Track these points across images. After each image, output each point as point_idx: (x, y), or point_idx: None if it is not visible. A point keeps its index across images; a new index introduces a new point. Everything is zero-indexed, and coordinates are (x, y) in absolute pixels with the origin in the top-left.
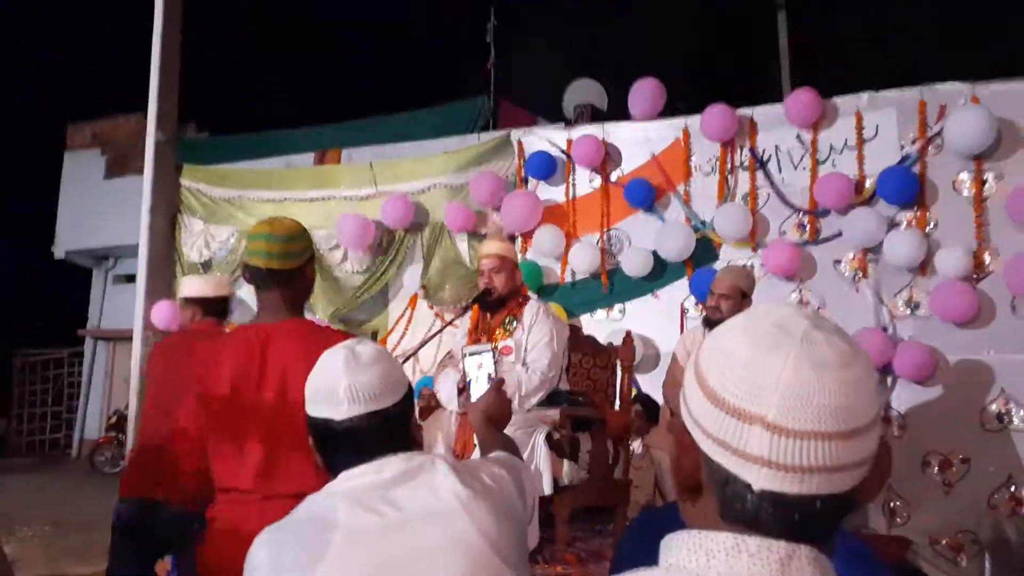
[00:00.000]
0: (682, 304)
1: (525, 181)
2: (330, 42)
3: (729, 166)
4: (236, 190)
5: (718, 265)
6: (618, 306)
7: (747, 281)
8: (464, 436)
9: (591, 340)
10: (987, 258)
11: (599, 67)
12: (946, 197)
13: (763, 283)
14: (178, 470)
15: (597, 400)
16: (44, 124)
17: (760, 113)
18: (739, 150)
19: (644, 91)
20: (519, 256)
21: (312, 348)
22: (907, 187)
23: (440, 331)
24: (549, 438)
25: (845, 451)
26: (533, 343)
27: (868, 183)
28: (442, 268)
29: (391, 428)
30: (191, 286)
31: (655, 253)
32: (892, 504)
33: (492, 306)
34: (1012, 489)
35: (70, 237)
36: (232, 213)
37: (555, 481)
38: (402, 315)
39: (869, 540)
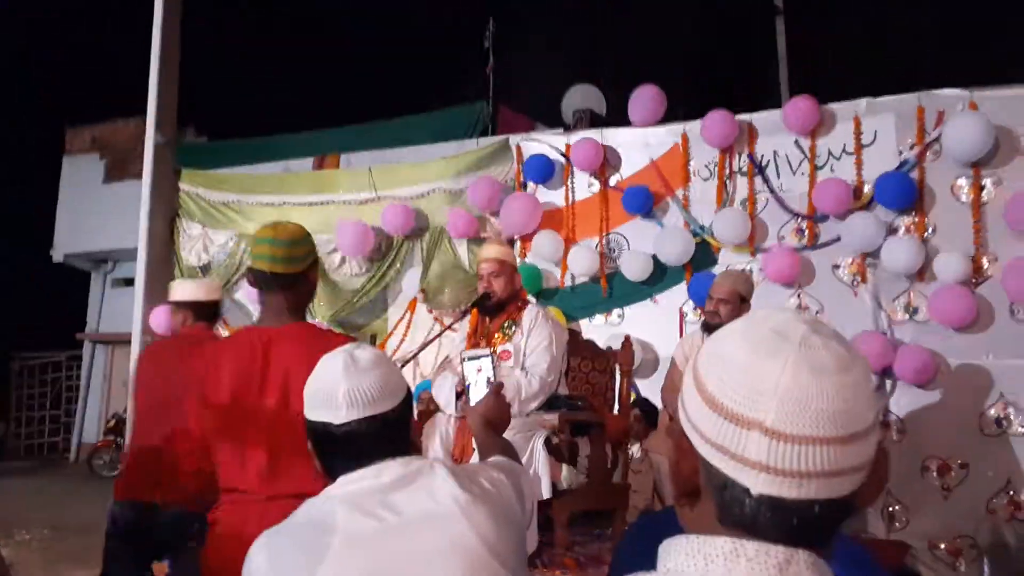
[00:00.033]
0: (681, 309)
1: (524, 186)
2: (329, 46)
3: (728, 171)
4: (235, 194)
5: (717, 270)
6: (617, 311)
7: (746, 285)
8: (463, 440)
9: (590, 344)
10: (985, 263)
11: (598, 72)
12: (944, 202)
13: (762, 288)
14: (176, 472)
15: (596, 404)
16: (43, 128)
17: (759, 119)
18: (738, 155)
19: (644, 98)
20: (518, 260)
21: (314, 351)
22: (904, 192)
23: (439, 335)
24: (548, 442)
25: (843, 456)
26: (532, 347)
27: (866, 188)
28: (441, 272)
29: (390, 432)
30: (182, 290)
31: (654, 257)
32: (891, 508)
33: (491, 310)
34: (1011, 494)
35: (69, 240)
36: (231, 217)
37: (554, 485)
38: (401, 319)
39: (868, 544)
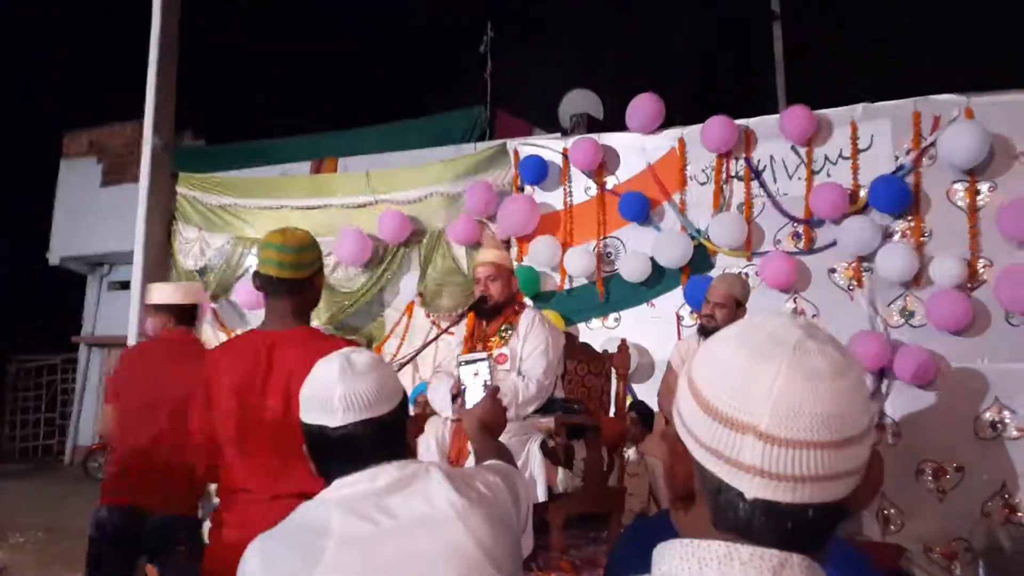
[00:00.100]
0: (678, 313)
1: (521, 189)
2: (327, 50)
3: (724, 176)
4: (232, 198)
5: (714, 273)
6: (613, 314)
7: (742, 289)
8: (459, 443)
9: (586, 347)
10: (981, 268)
11: (595, 77)
12: (940, 207)
13: (758, 292)
14: (164, 476)
15: (592, 408)
16: (40, 131)
17: (756, 124)
18: (734, 160)
19: (643, 106)
20: (515, 262)
21: (317, 356)
22: (898, 196)
23: (435, 338)
24: (544, 445)
25: (837, 460)
26: (528, 352)
27: (862, 193)
28: (439, 276)
29: (386, 436)
30: (161, 293)
31: (652, 260)
32: (886, 512)
33: (488, 314)
34: (1006, 497)
35: (65, 243)
36: (228, 221)
37: (550, 488)
38: (398, 322)
39: (863, 547)
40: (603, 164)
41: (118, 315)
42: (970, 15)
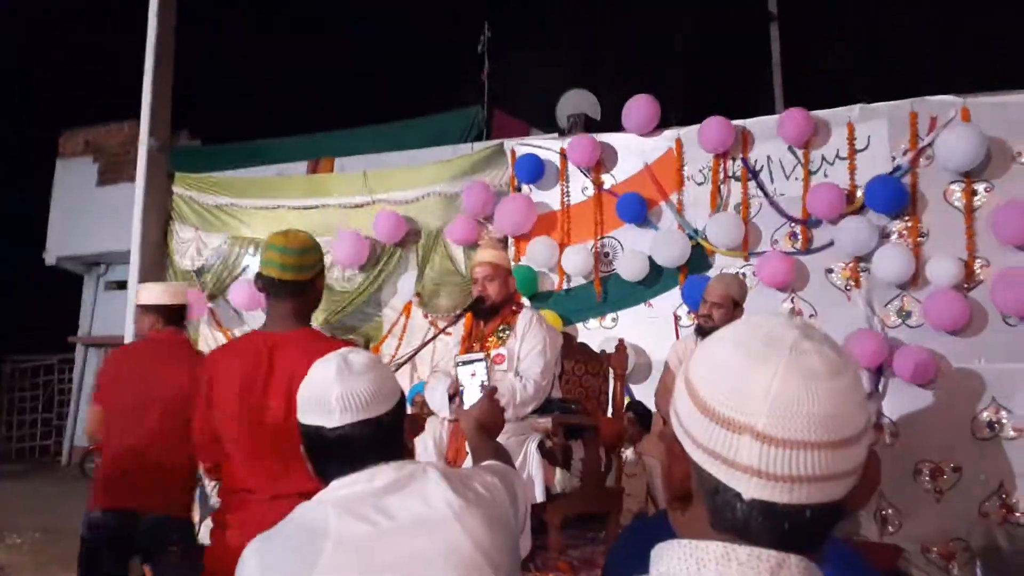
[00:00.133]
0: (675, 313)
1: (518, 190)
2: (324, 50)
3: (722, 176)
4: (228, 198)
5: (711, 273)
6: (611, 314)
7: (739, 290)
8: (456, 443)
9: (584, 348)
10: (978, 268)
11: (593, 77)
12: (937, 207)
13: (755, 292)
14: (156, 477)
15: (590, 408)
16: (37, 131)
17: (753, 124)
18: (732, 160)
19: (638, 108)
20: (513, 262)
21: (318, 357)
22: (894, 196)
23: (432, 338)
24: (541, 446)
25: (834, 460)
26: (526, 352)
27: (859, 193)
28: (437, 276)
29: (383, 436)
30: (150, 294)
31: (650, 258)
32: (884, 512)
33: (485, 314)
34: (1003, 497)
35: (62, 243)
36: (224, 221)
37: (547, 489)
38: (396, 323)
39: (861, 548)
40: (601, 163)
41: (115, 315)
42: (967, 16)
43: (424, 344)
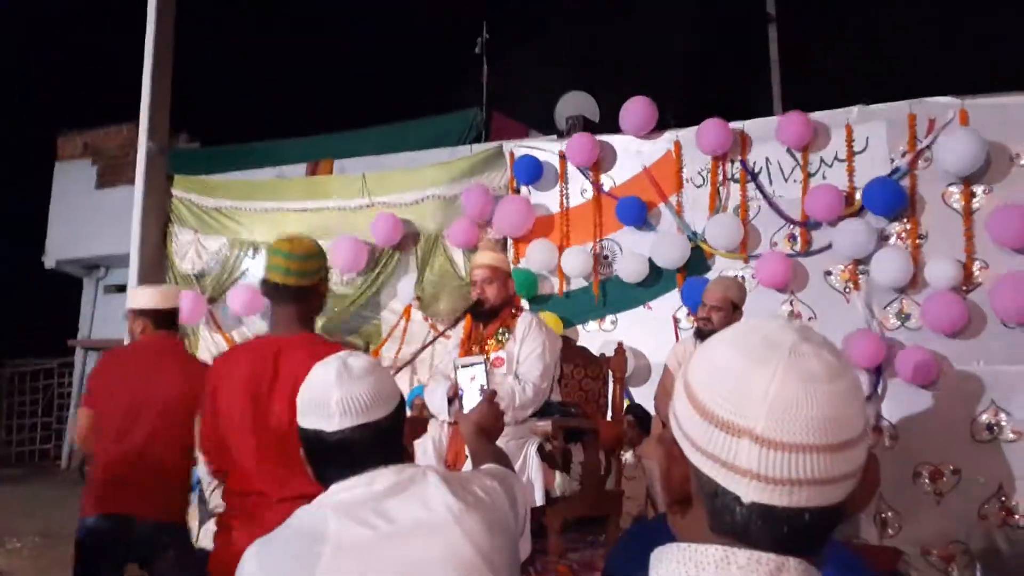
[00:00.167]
0: (674, 315)
1: (517, 191)
2: (323, 52)
3: (721, 178)
4: (228, 200)
5: (711, 275)
6: (610, 317)
7: (738, 292)
8: (456, 446)
9: (583, 351)
10: (976, 270)
11: (592, 79)
12: (936, 209)
13: (754, 294)
14: (152, 482)
15: (589, 411)
16: (34, 134)
17: (751, 126)
18: (730, 162)
19: (635, 109)
20: (512, 265)
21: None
22: (892, 198)
23: (432, 341)
24: (541, 449)
25: (834, 464)
26: (525, 355)
27: (858, 195)
28: (437, 280)
29: (383, 440)
30: (141, 298)
31: (650, 260)
32: (883, 515)
33: (485, 316)
34: (1003, 499)
35: (61, 247)
36: (224, 223)
37: (547, 492)
38: (396, 326)
39: (860, 550)
40: (599, 163)
41: (114, 318)
42: (965, 17)
43: (423, 347)
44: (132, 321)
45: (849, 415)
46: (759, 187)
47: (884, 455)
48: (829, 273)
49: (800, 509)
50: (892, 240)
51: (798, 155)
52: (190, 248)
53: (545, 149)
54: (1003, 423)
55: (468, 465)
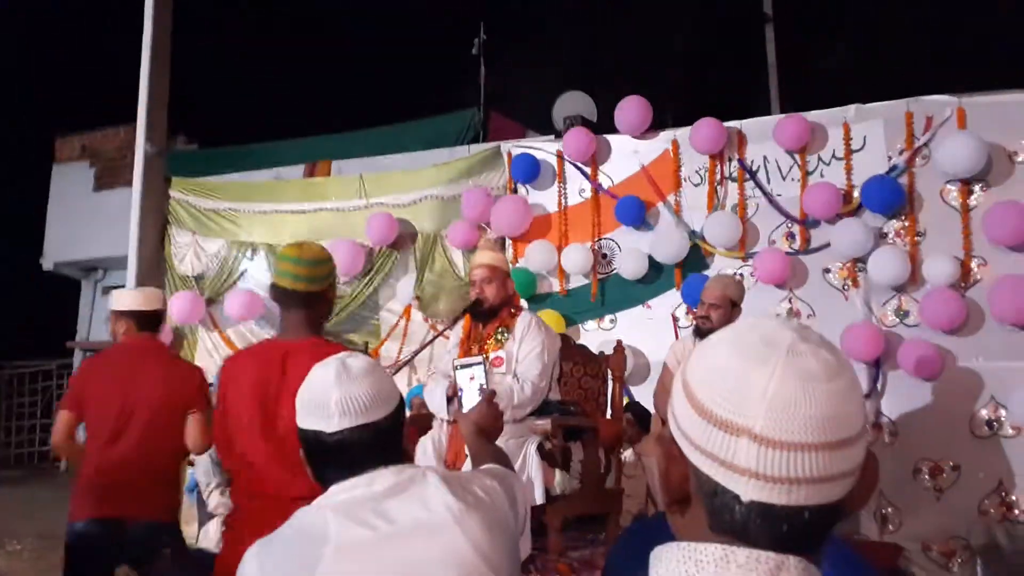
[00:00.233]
0: (673, 314)
1: (515, 191)
2: (321, 53)
3: (719, 177)
4: (226, 202)
5: (710, 273)
6: (609, 316)
7: (737, 290)
8: (456, 446)
9: (582, 349)
10: (974, 267)
11: (589, 79)
12: (934, 206)
13: (753, 291)
14: (143, 484)
15: (588, 409)
16: (32, 135)
17: (749, 125)
18: (728, 161)
19: (630, 108)
20: (511, 264)
21: None
22: (889, 196)
23: (431, 341)
24: (541, 448)
25: (832, 462)
26: (524, 354)
27: (856, 193)
28: (436, 280)
29: (382, 441)
30: (124, 299)
31: (650, 257)
32: (884, 511)
33: (484, 316)
34: (1003, 495)
35: (59, 249)
36: (222, 225)
37: (547, 491)
38: (395, 326)
39: (861, 547)
40: (596, 159)
41: None
42: (964, 17)
43: (422, 347)
44: (115, 323)
45: (847, 413)
46: (757, 184)
47: (884, 451)
48: (828, 271)
49: (799, 507)
50: (890, 238)
51: (796, 154)
52: (188, 250)
53: (543, 149)
54: (1003, 419)
55: (468, 465)
